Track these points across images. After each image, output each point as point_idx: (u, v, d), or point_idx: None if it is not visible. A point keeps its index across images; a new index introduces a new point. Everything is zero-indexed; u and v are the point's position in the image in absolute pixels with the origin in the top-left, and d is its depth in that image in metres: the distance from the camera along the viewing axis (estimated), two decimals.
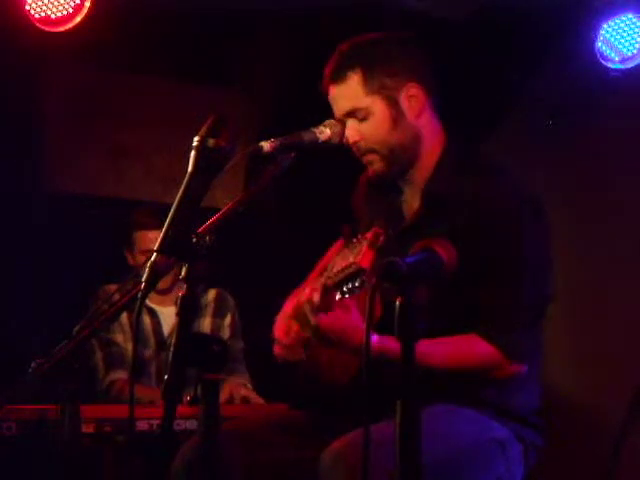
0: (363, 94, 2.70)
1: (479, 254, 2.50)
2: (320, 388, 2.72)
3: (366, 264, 2.28)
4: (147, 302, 4.34)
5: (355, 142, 2.73)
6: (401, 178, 2.81)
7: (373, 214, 2.88)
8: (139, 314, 2.03)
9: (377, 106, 2.71)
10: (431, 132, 2.78)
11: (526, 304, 2.64)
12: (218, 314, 4.51)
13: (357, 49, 2.75)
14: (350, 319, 2.49)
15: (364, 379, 1.99)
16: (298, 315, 2.59)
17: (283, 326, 2.77)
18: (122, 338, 4.31)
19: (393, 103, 2.72)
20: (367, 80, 2.70)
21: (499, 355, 2.58)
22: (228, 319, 4.51)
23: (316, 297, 2.49)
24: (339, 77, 2.73)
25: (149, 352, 4.33)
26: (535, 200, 2.74)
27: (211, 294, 4.53)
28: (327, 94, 2.78)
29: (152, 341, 4.35)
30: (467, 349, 2.60)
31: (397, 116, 2.72)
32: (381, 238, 2.33)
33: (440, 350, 2.53)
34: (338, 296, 2.41)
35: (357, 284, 2.32)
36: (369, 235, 2.33)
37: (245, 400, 4.01)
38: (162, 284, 4.06)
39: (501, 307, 2.61)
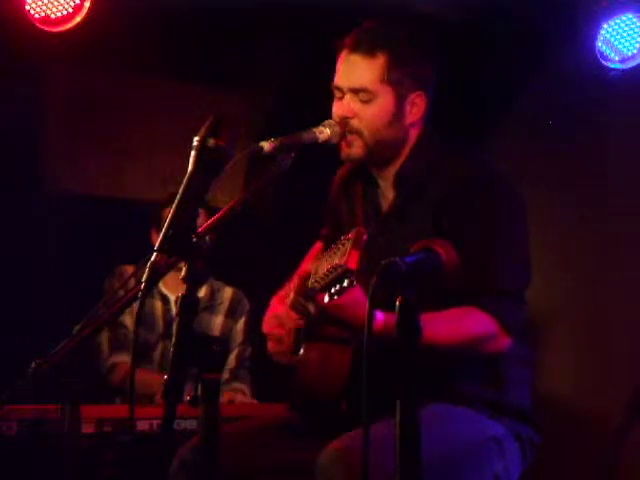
0: (380, 79, 2.66)
1: (460, 233, 2.47)
2: (313, 397, 2.72)
3: (353, 265, 2.27)
4: (161, 288, 4.40)
5: (345, 117, 2.68)
6: (378, 172, 2.80)
7: (351, 208, 2.88)
8: (140, 314, 2.03)
9: (386, 97, 2.68)
10: (415, 137, 2.77)
11: (511, 276, 2.63)
12: (231, 315, 4.50)
13: (394, 32, 2.71)
14: (351, 295, 2.43)
15: (363, 379, 1.99)
16: (295, 307, 2.57)
17: (272, 321, 2.77)
18: (131, 321, 4.31)
19: (400, 102, 2.69)
20: (391, 68, 2.66)
21: (495, 324, 2.57)
22: (241, 323, 4.51)
23: (300, 288, 2.48)
24: (366, 50, 2.67)
25: (154, 337, 4.35)
26: (510, 184, 2.74)
27: (227, 293, 4.53)
28: (337, 58, 2.72)
29: (160, 326, 4.37)
30: (462, 319, 2.57)
31: (397, 115, 2.70)
32: (364, 237, 2.33)
33: (440, 323, 2.48)
34: (326, 299, 2.39)
35: (345, 285, 2.30)
36: (352, 235, 2.32)
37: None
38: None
39: (490, 284, 2.59)
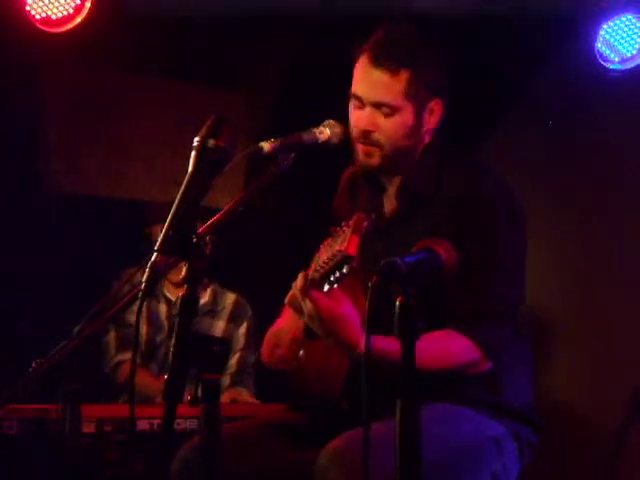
0: (402, 94, 2.68)
1: (458, 248, 2.47)
2: (312, 401, 2.72)
3: (352, 251, 2.24)
4: (165, 292, 4.44)
5: (367, 131, 2.71)
6: (387, 179, 2.82)
7: (354, 210, 2.87)
8: (139, 314, 2.03)
9: (407, 111, 2.70)
10: (428, 141, 2.79)
11: (499, 302, 2.64)
12: (233, 320, 4.51)
13: (414, 47, 2.72)
14: (344, 309, 2.47)
15: (363, 379, 2.00)
16: (292, 303, 2.58)
17: (270, 343, 2.79)
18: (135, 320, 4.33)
19: (419, 113, 2.72)
20: (411, 83, 2.68)
21: (478, 351, 2.59)
22: (243, 328, 4.51)
23: (301, 281, 2.46)
24: (389, 67, 2.68)
25: (161, 337, 4.38)
26: (514, 203, 2.74)
27: (230, 298, 4.53)
28: (356, 65, 2.74)
29: (165, 328, 4.39)
30: (446, 346, 2.59)
31: (417, 126, 2.73)
32: (364, 223, 2.31)
33: (419, 348, 2.45)
34: (327, 287, 2.37)
35: (345, 271, 2.27)
36: (352, 221, 2.30)
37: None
38: (175, 277, 4.08)
39: (476, 304, 2.61)
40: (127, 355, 4.31)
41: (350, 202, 2.94)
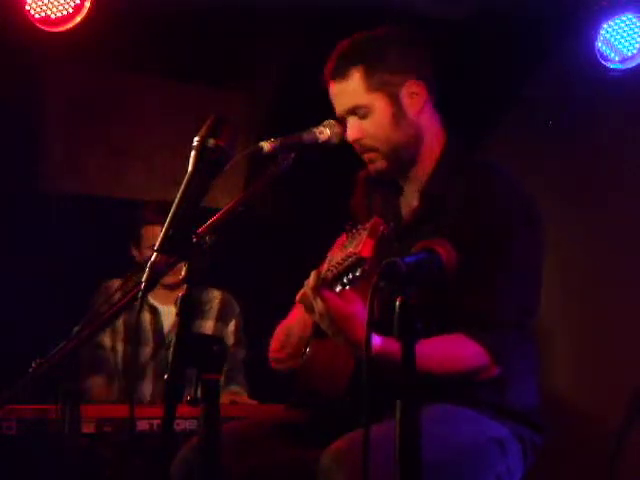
0: (365, 91, 2.70)
1: (469, 255, 2.37)
2: (316, 399, 2.72)
3: (367, 253, 2.24)
4: (149, 299, 4.35)
5: (356, 140, 2.72)
6: (401, 176, 2.81)
7: (370, 211, 2.87)
8: (139, 313, 2.03)
9: (379, 103, 2.70)
10: (431, 130, 2.78)
11: (499, 304, 2.61)
12: (222, 318, 4.48)
13: (358, 46, 2.74)
14: (354, 309, 2.45)
15: (363, 379, 1.99)
16: (303, 300, 2.57)
17: (279, 339, 2.79)
18: (110, 340, 4.28)
19: (394, 100, 2.71)
20: (369, 77, 2.69)
21: (487, 356, 2.57)
22: (232, 325, 4.49)
23: (314, 280, 2.45)
24: (340, 74, 2.72)
25: (147, 350, 4.33)
26: (530, 205, 2.73)
27: (216, 297, 4.50)
28: (327, 91, 2.77)
29: (151, 339, 4.34)
30: (456, 350, 2.58)
31: (398, 113, 2.72)
32: (381, 227, 2.31)
33: (429, 351, 2.41)
34: (339, 288, 2.37)
35: (358, 274, 2.27)
36: (369, 225, 2.31)
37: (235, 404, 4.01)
38: (172, 279, 4.03)
39: (487, 308, 2.59)
40: (96, 379, 4.22)
41: (367, 203, 2.93)
